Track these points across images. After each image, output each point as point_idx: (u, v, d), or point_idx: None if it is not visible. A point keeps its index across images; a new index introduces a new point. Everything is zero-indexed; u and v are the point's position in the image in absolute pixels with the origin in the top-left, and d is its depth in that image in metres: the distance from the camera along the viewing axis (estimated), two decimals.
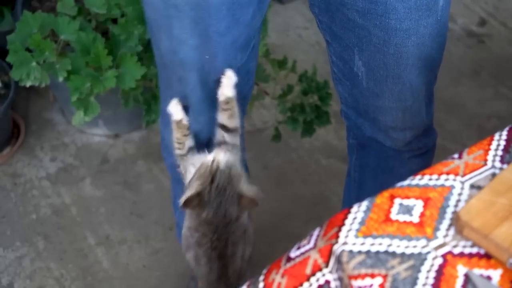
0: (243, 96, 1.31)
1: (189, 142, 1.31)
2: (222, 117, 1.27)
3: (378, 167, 1.48)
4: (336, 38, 1.27)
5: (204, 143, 1.33)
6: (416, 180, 0.91)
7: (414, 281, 0.80)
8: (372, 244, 0.84)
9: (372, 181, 1.51)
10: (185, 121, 1.27)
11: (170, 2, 1.13)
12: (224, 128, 1.28)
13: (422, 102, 1.34)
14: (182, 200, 1.22)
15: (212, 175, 1.22)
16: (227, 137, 1.28)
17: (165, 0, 1.14)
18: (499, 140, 0.96)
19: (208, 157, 1.23)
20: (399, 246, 0.84)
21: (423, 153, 1.44)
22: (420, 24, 1.18)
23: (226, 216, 1.28)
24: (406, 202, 0.88)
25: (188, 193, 1.23)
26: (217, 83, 1.23)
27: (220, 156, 1.23)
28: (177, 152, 1.31)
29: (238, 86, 1.25)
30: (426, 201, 0.88)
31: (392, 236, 0.85)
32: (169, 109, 1.27)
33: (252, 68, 1.32)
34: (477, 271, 0.81)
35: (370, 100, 1.33)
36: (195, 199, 1.23)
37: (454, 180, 0.91)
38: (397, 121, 1.35)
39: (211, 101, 1.26)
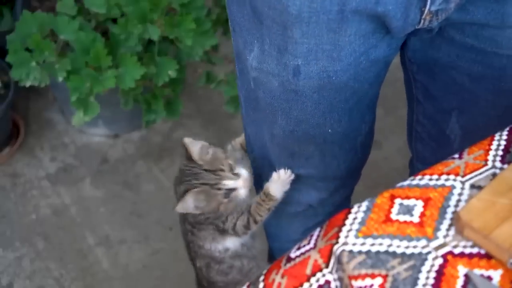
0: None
1: None
2: (253, 205, 1.25)
3: None
4: (430, 99, 1.16)
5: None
6: (416, 180, 0.91)
7: (415, 281, 0.80)
8: (373, 244, 0.84)
9: None
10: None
11: (289, 87, 1.04)
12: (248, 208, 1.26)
13: None
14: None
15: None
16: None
17: (284, 85, 1.04)
18: (499, 140, 0.96)
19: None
20: (399, 246, 0.83)
21: None
22: None
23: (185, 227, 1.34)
24: (406, 202, 0.88)
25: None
26: (342, 148, 1.16)
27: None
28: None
29: (363, 149, 1.21)
30: (427, 201, 0.88)
31: (392, 236, 0.84)
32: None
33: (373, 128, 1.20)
34: (477, 271, 0.81)
35: None
36: None
37: (455, 180, 0.91)
38: None
39: (332, 170, 1.20)
